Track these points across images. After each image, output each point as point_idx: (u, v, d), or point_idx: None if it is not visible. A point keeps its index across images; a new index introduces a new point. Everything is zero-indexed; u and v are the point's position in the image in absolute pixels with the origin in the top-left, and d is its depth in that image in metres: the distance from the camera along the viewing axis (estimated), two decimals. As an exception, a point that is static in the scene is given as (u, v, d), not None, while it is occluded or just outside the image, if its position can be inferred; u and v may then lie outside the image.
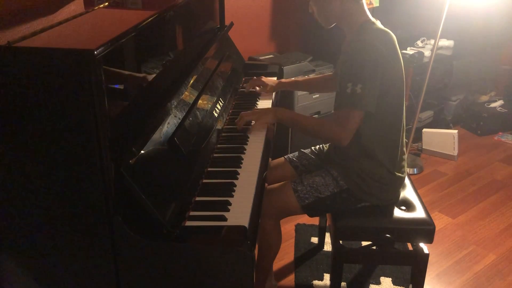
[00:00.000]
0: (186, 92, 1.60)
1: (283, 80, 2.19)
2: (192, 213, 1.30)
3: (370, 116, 1.57)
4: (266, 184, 1.70)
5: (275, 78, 2.34)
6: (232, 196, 1.39)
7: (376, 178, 1.65)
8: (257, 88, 2.19)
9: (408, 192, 1.82)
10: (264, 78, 2.17)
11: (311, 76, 2.37)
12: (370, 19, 1.62)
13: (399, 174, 1.70)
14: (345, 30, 1.68)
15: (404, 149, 1.73)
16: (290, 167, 1.91)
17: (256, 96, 2.14)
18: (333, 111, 1.67)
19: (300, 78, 2.25)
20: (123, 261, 1.22)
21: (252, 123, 1.78)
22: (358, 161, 1.66)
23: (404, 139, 1.72)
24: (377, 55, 1.52)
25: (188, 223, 1.25)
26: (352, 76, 1.52)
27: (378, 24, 1.62)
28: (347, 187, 1.67)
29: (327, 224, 2.22)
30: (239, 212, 1.31)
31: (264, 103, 2.08)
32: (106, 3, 1.56)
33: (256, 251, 1.22)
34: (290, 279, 2.14)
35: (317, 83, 2.13)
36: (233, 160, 1.59)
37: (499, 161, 3.33)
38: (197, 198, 1.37)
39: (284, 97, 2.62)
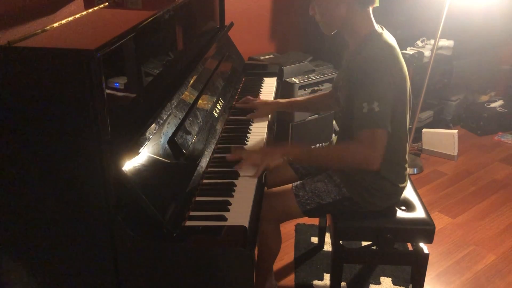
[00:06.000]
0: (186, 92, 1.60)
1: (280, 100, 2.04)
2: (192, 213, 1.30)
3: None
4: (265, 188, 1.69)
5: (274, 80, 2.31)
6: (232, 196, 1.39)
7: (379, 189, 1.64)
8: (255, 108, 1.97)
9: (408, 192, 1.82)
10: (258, 100, 1.99)
11: (309, 95, 2.19)
12: (376, 30, 1.55)
13: (402, 185, 1.69)
14: (347, 38, 1.61)
15: (406, 157, 1.69)
16: (291, 170, 1.89)
17: (249, 120, 1.93)
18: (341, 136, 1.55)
19: (298, 98, 2.15)
20: (123, 261, 1.22)
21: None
22: (362, 171, 1.61)
23: (407, 149, 1.68)
24: (387, 71, 1.47)
25: (188, 223, 1.25)
26: (366, 95, 1.45)
27: (385, 35, 1.56)
28: (349, 195, 1.65)
29: (327, 224, 2.22)
30: (239, 212, 1.31)
31: (259, 125, 1.91)
32: (106, 3, 1.56)
33: (256, 252, 1.22)
34: (290, 279, 2.14)
35: (315, 103, 2.03)
36: (233, 160, 1.58)
37: (499, 161, 3.33)
38: (197, 198, 1.37)
39: (283, 98, 2.62)
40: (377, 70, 1.47)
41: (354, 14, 1.53)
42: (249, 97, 2.03)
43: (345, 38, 1.63)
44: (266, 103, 1.99)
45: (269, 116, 2.00)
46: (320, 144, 1.88)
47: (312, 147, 1.67)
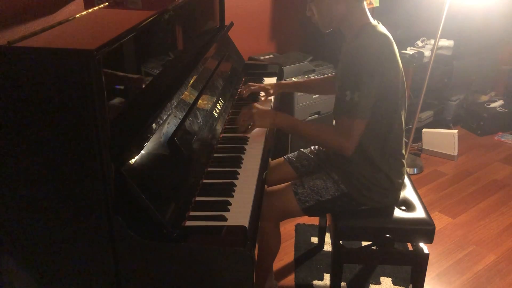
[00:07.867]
0: (186, 92, 1.60)
1: (283, 82, 2.12)
2: (192, 213, 1.30)
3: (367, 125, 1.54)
4: (266, 186, 1.69)
5: (273, 80, 2.32)
6: (232, 196, 1.39)
7: (377, 183, 1.65)
8: (261, 93, 2.11)
9: (408, 192, 1.82)
10: (262, 84, 2.11)
11: (312, 77, 2.30)
12: (370, 22, 1.58)
13: (399, 180, 1.69)
14: (344, 32, 1.64)
15: (404, 152, 1.70)
16: (291, 168, 1.90)
17: (255, 101, 2.06)
18: (333, 119, 1.64)
19: (300, 80, 2.21)
20: (123, 261, 1.22)
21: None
22: (359, 166, 1.64)
23: (404, 144, 1.70)
24: (373, 60, 1.48)
25: (188, 223, 1.25)
26: (351, 83, 1.49)
27: (379, 27, 1.58)
28: (347, 191, 1.66)
29: (327, 224, 2.22)
30: (239, 212, 1.31)
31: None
32: (106, 3, 1.56)
33: (256, 252, 1.22)
34: (290, 279, 2.14)
35: (318, 85, 2.09)
36: (233, 160, 1.59)
37: (499, 161, 3.33)
38: (197, 198, 1.37)
39: (283, 98, 2.62)
40: (367, 60, 1.48)
41: (351, 10, 1.56)
42: (250, 83, 2.12)
43: (342, 32, 1.66)
44: (269, 85, 2.09)
45: (271, 100, 2.05)
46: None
47: (300, 121, 1.75)
